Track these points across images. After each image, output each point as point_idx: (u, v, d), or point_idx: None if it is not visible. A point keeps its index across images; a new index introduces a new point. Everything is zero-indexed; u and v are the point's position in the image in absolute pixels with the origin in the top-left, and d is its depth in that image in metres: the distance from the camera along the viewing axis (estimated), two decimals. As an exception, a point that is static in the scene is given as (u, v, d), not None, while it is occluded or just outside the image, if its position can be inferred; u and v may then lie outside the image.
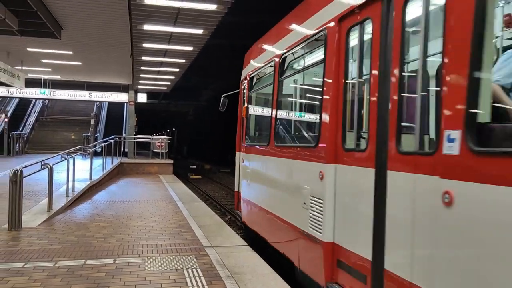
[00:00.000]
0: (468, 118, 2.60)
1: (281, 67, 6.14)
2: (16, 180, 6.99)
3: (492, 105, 2.73)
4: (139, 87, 25.68)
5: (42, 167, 8.21)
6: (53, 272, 4.94)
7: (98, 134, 27.69)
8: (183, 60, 17.28)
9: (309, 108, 5.95)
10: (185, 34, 13.05)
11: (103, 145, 16.21)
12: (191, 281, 4.71)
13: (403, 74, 3.45)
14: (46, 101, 31.58)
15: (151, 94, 28.24)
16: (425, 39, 3.09)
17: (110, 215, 8.63)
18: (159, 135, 42.61)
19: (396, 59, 3.42)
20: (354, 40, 4.24)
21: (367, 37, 3.99)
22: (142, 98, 26.20)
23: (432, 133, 3.11)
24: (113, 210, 9.25)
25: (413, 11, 3.32)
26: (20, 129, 27.73)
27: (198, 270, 5.12)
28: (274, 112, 6.24)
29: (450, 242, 2.73)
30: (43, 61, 18.53)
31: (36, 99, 29.33)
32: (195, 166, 34.01)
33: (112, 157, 17.11)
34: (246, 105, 8.10)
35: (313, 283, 4.62)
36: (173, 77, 22.09)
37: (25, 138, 26.84)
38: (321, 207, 4.47)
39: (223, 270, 5.11)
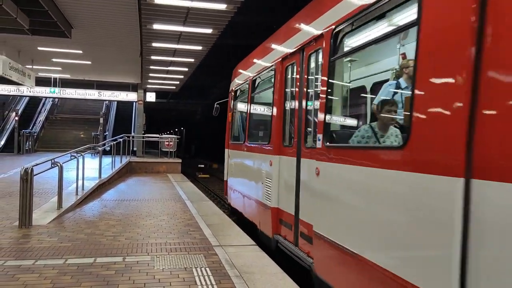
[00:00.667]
0: (325, 128, 4.68)
1: (252, 86, 8.39)
2: (27, 178, 7.05)
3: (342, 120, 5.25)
4: (148, 86, 25.76)
5: (52, 165, 8.27)
6: (63, 270, 4.97)
7: (107, 133, 27.82)
8: (192, 60, 17.30)
9: (267, 118, 7.57)
10: (194, 34, 13.06)
11: (112, 144, 16.27)
12: (200, 280, 4.71)
13: (307, 101, 5.58)
14: (56, 99, 31.81)
15: (160, 93, 28.30)
16: (310, 82, 5.52)
17: (119, 214, 8.68)
18: (167, 134, 42.74)
19: (303, 90, 5.64)
20: (289, 74, 6.40)
21: (293, 73, 6.18)
22: (151, 97, 26.29)
23: (315, 137, 4.99)
24: (122, 209, 9.29)
25: (312, 62, 5.50)
26: (30, 128, 27.95)
27: (207, 269, 5.13)
28: (248, 118, 8.56)
29: (320, 196, 4.79)
30: (53, 60, 18.67)
31: (46, 97, 29.54)
32: (203, 166, 34.06)
33: (121, 156, 17.19)
34: (230, 112, 10.43)
35: (267, 237, 6.87)
36: (182, 77, 22.13)
37: (35, 136, 27.05)
38: (270, 184, 6.68)
39: (231, 270, 5.12)
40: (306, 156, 5.35)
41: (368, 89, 6.35)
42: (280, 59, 6.48)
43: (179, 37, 13.61)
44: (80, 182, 10.25)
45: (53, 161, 8.27)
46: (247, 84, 8.73)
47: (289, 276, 4.95)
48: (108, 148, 17.08)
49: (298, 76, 5.81)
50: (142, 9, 10.83)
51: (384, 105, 4.25)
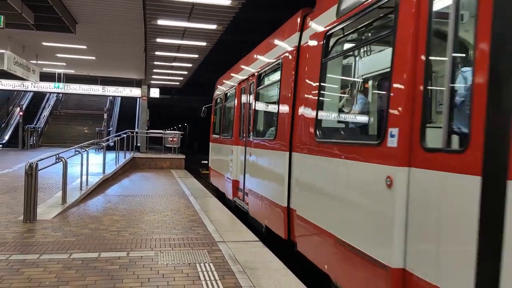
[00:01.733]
0: (253, 128, 7.72)
1: (225, 98, 11.77)
2: (32, 173, 7.08)
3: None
4: (152, 82, 25.76)
5: (57, 160, 8.30)
6: (68, 264, 5.00)
7: (111, 129, 27.91)
8: (196, 56, 17.28)
9: (231, 120, 10.49)
10: (199, 30, 13.03)
11: (116, 139, 16.31)
12: (204, 276, 4.73)
13: (249, 109, 8.57)
14: (60, 95, 31.89)
15: (163, 89, 28.28)
16: (250, 98, 8.53)
17: (123, 209, 8.71)
18: (171, 130, 42.77)
19: (249, 103, 8.66)
20: (241, 93, 9.59)
21: (243, 92, 9.42)
22: (154, 93, 26.29)
23: (249, 133, 8.34)
24: (126, 204, 9.32)
25: (251, 87, 8.39)
26: (35, 123, 28.08)
27: (211, 264, 5.14)
28: (222, 119, 12.09)
29: (250, 167, 7.81)
30: (58, 55, 18.70)
31: (50, 93, 29.64)
32: (206, 162, 34.02)
33: (124, 151, 17.22)
34: (213, 115, 13.87)
35: (229, 199, 10.00)
36: (186, 72, 22.12)
37: (39, 131, 27.15)
38: (231, 164, 9.68)
39: (235, 265, 5.13)
40: (248, 145, 8.55)
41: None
42: (237, 83, 9.90)
43: (183, 33, 13.59)
44: (84, 178, 10.28)
45: (57, 156, 8.29)
46: (221, 97, 12.43)
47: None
48: (112, 144, 17.10)
49: (245, 95, 9.29)
50: (146, 4, 10.82)
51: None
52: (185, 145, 43.71)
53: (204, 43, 14.90)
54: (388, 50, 3.73)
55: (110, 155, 15.52)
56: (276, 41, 7.16)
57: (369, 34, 4.46)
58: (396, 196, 3.24)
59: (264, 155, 7.27)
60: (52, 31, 13.24)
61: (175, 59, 18.12)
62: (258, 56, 8.32)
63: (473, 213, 2.53)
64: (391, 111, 3.40)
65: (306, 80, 5.39)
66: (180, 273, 4.79)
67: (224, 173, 10.87)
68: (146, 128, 24.58)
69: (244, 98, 9.32)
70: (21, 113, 25.83)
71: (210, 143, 13.79)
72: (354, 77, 5.05)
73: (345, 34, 4.65)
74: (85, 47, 16.68)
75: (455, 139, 2.87)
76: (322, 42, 4.94)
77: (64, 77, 24.36)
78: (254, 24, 15.09)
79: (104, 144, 13.53)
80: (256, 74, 8.18)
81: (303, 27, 5.95)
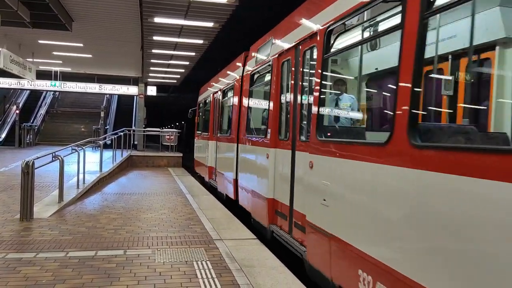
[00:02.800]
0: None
1: (204, 104, 14.85)
2: (28, 171, 7.06)
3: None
4: (149, 80, 25.70)
5: (53, 158, 8.27)
6: (65, 263, 4.99)
7: (108, 127, 27.81)
8: (193, 53, 17.25)
9: (209, 121, 13.15)
10: (195, 27, 13.00)
11: (113, 137, 16.28)
12: (201, 273, 4.73)
13: (223, 114, 11.63)
14: (57, 93, 31.79)
15: (160, 87, 28.21)
16: (222, 103, 11.56)
17: (120, 207, 8.69)
18: (168, 128, 42.69)
19: (221, 109, 11.73)
20: (216, 101, 12.22)
21: (217, 99, 12.14)
22: (152, 91, 26.24)
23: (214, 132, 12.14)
24: (123, 202, 9.31)
25: (218, 97, 12.06)
26: (31, 121, 27.96)
27: (208, 262, 5.14)
28: (203, 121, 15.15)
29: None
30: (54, 53, 18.63)
31: (47, 91, 29.53)
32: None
33: (121, 149, 17.20)
34: (197, 116, 16.76)
35: (205, 180, 13.49)
36: (183, 70, 22.08)
37: (35, 130, 27.06)
38: (207, 152, 12.69)
39: (232, 263, 5.13)
40: (217, 140, 11.54)
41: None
42: (212, 94, 12.88)
43: (180, 31, 13.56)
44: (81, 176, 10.26)
45: (54, 155, 8.27)
46: (202, 102, 15.51)
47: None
48: (109, 142, 17.08)
49: (216, 103, 12.13)
50: (143, 2, 10.78)
51: None
52: (183, 143, 43.70)
53: (201, 41, 14.88)
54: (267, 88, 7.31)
55: (107, 153, 15.50)
56: (232, 69, 10.43)
57: (267, 78, 7.44)
58: (270, 162, 6.52)
59: (225, 147, 10.43)
60: (48, 28, 13.19)
61: (172, 57, 18.09)
62: (223, 78, 11.70)
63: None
64: (269, 122, 6.74)
65: (244, 97, 8.70)
66: (177, 271, 4.79)
67: (204, 162, 13.87)
68: (143, 126, 24.53)
69: (215, 105, 12.32)
70: (17, 111, 25.72)
71: (195, 139, 16.83)
72: (262, 99, 8.16)
73: (259, 74, 8.10)
74: (81, 45, 16.63)
75: (282, 136, 6.31)
76: (249, 77, 8.34)
77: (61, 75, 24.28)
78: (251, 21, 15.05)
79: (101, 142, 13.52)
80: (222, 89, 11.51)
81: (245, 63, 9.09)
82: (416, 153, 2.90)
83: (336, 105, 5.22)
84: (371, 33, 4.58)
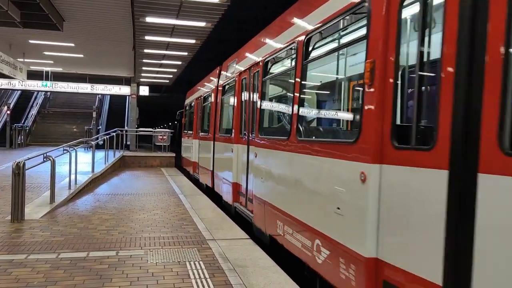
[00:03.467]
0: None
1: (190, 107, 16.53)
2: (19, 172, 7.00)
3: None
4: (141, 80, 25.60)
5: (45, 159, 8.21)
6: (56, 264, 4.95)
7: (100, 127, 27.68)
8: (186, 53, 17.20)
9: (193, 122, 15.19)
10: (187, 27, 12.96)
11: (105, 138, 16.18)
12: (194, 274, 4.72)
13: (203, 116, 13.56)
14: (48, 93, 31.56)
15: (153, 87, 28.11)
16: (201, 106, 13.80)
17: (113, 208, 8.65)
18: (161, 128, 42.55)
19: (201, 112, 13.90)
20: (191, 107, 16.25)
21: (192, 106, 15.78)
22: (144, 91, 26.14)
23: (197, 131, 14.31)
24: (115, 203, 9.26)
25: (193, 104, 15.51)
26: (22, 122, 27.75)
27: (201, 263, 5.13)
28: (188, 122, 16.72)
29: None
30: (45, 53, 18.50)
31: (38, 91, 29.31)
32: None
33: (114, 150, 17.12)
34: (183, 117, 18.43)
35: (188, 174, 16.16)
36: (175, 70, 22.01)
37: (27, 130, 26.86)
38: (191, 148, 15.08)
39: (225, 263, 5.12)
40: (200, 139, 13.30)
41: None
42: (195, 99, 14.92)
43: (172, 30, 13.51)
44: (73, 177, 10.19)
45: (45, 155, 8.21)
46: (188, 105, 17.11)
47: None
48: (101, 142, 16.98)
49: (198, 108, 14.32)
50: (134, 1, 10.73)
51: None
52: (175, 143, 43.58)
53: (193, 41, 14.84)
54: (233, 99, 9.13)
55: (100, 154, 15.41)
56: (209, 81, 12.68)
57: (232, 90, 9.33)
58: (234, 154, 8.34)
59: (205, 144, 12.36)
60: (39, 28, 13.09)
61: (164, 56, 18.03)
62: (202, 88, 14.00)
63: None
64: (233, 124, 8.61)
65: (218, 104, 10.64)
66: (169, 272, 4.77)
67: (189, 157, 15.92)
68: (136, 126, 24.44)
69: (198, 109, 14.39)
70: (8, 112, 25.50)
71: (182, 138, 18.80)
72: (230, 106, 9.77)
73: (228, 86, 9.90)
74: (72, 44, 16.52)
75: (242, 134, 8.21)
76: (222, 87, 10.40)
77: (52, 75, 24.11)
78: (243, 21, 15.04)
79: (93, 142, 13.42)
80: (202, 96, 13.54)
81: (219, 76, 10.99)
82: (299, 144, 4.96)
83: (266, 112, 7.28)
84: (284, 67, 6.50)
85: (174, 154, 20.36)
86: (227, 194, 9.14)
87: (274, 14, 6.82)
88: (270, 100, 7.17)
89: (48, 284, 4.34)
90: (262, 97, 6.79)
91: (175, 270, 4.83)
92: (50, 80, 24.10)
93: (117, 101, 31.99)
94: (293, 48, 5.56)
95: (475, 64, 2.50)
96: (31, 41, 16.03)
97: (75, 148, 10.60)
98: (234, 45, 10.48)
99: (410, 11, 3.36)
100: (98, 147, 15.74)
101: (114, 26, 13.73)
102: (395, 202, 3.17)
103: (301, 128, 5.13)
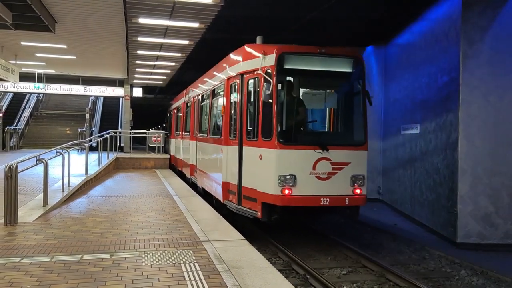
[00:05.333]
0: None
1: (170, 113, 23.28)
2: (12, 175, 6.94)
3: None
4: (135, 81, 25.46)
5: (37, 162, 8.15)
6: (50, 267, 4.92)
7: (93, 129, 27.52)
8: (179, 54, 17.12)
9: (173, 124, 21.19)
10: (181, 28, 12.90)
11: (98, 140, 16.09)
12: (189, 276, 4.70)
13: (184, 119, 17.78)
14: (41, 95, 31.35)
15: (147, 88, 27.97)
16: (183, 113, 18.69)
17: (107, 210, 8.60)
18: (155, 129, 42.47)
19: (183, 115, 18.18)
20: (172, 114, 22.47)
21: (172, 112, 22.44)
22: (137, 92, 26.01)
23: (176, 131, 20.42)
24: (109, 205, 9.21)
25: (174, 111, 21.57)
26: (15, 124, 27.54)
27: (196, 264, 5.11)
28: (172, 125, 21.57)
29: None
30: (37, 55, 18.35)
31: (31, 93, 29.11)
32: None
33: (108, 152, 17.05)
34: (168, 121, 23.91)
35: (175, 168, 19.27)
36: (169, 71, 21.91)
37: (19, 133, 26.67)
38: (176, 146, 19.49)
39: (220, 264, 5.11)
40: (179, 138, 18.14)
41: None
42: (174, 108, 20.92)
43: (165, 31, 13.46)
44: (66, 179, 10.13)
45: (38, 158, 8.14)
46: (170, 111, 22.31)
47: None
48: (94, 144, 16.89)
49: (174, 115, 20.75)
50: (127, 2, 10.67)
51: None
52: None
53: (186, 42, 14.78)
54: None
55: (93, 156, 15.35)
56: (180, 97, 18.60)
57: (191, 106, 15.38)
58: (194, 145, 13.88)
59: (185, 143, 15.74)
60: (31, 30, 12.96)
61: (157, 57, 17.94)
62: (176, 102, 19.78)
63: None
64: (190, 127, 15.17)
65: (185, 113, 16.23)
66: (164, 274, 4.75)
67: (176, 155, 18.63)
68: (130, 128, 24.34)
69: (174, 116, 19.56)
70: (0, 114, 25.29)
71: (170, 139, 21.71)
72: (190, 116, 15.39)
73: (190, 103, 15.69)
74: (65, 46, 16.41)
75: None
76: (185, 104, 16.68)
77: (45, 77, 23.91)
78: (238, 22, 15.03)
79: (86, 144, 13.35)
80: (177, 107, 19.21)
81: (185, 95, 16.40)
82: (209, 137, 11.39)
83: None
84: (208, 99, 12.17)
85: (168, 156, 20.33)
86: (185, 170, 15.57)
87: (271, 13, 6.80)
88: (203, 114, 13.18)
89: (42, 287, 4.30)
90: (200, 113, 13.44)
91: (170, 272, 4.80)
92: (43, 82, 23.93)
93: (111, 103, 31.83)
94: (209, 91, 11.99)
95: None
96: (23, 43, 15.91)
97: (69, 150, 10.54)
98: (230, 45, 10.50)
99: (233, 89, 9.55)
100: (92, 149, 15.68)
101: (107, 27, 13.65)
102: (231, 160, 9.34)
103: (210, 130, 11.39)
